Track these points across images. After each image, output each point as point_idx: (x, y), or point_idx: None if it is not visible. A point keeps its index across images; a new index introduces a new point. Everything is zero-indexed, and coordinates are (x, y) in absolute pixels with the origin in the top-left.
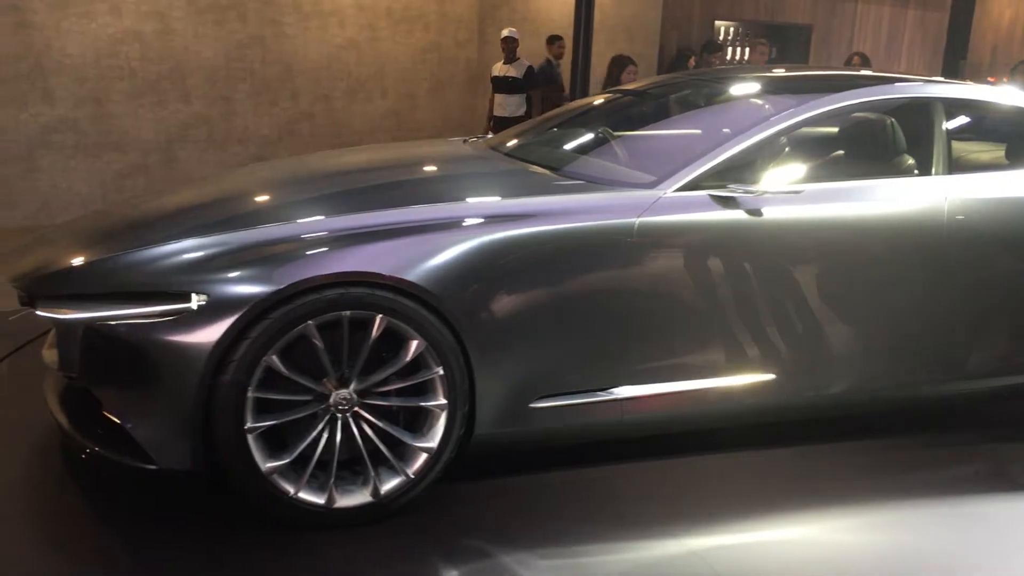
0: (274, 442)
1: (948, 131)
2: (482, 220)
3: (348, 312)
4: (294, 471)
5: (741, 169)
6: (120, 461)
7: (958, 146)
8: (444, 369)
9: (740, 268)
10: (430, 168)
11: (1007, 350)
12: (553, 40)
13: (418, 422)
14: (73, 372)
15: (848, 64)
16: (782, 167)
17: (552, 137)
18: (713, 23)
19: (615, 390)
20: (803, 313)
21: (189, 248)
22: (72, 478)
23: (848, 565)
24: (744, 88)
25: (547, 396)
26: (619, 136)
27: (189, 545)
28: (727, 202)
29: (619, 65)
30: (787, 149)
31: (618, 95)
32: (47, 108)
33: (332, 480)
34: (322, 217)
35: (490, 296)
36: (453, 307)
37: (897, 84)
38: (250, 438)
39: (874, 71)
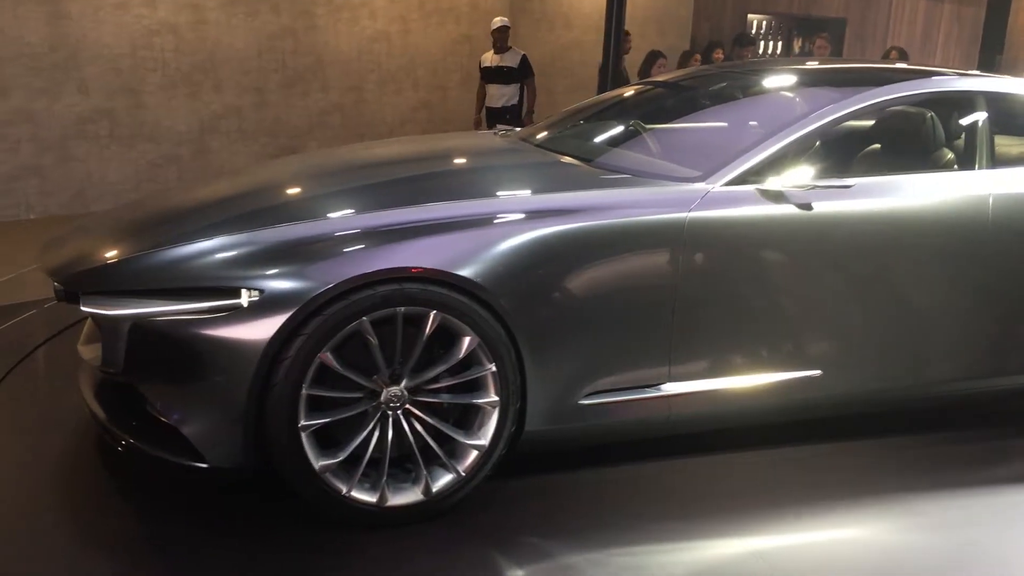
0: (323, 440)
1: (991, 125)
2: (533, 215)
3: (403, 308)
4: (345, 469)
5: (784, 163)
6: (166, 459)
7: (998, 140)
8: (497, 365)
9: (790, 263)
10: (471, 161)
11: None
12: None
13: (468, 419)
14: (116, 369)
15: (885, 58)
16: (825, 162)
17: (587, 129)
18: (745, 16)
19: (663, 386)
20: (852, 308)
21: (239, 243)
22: (107, 471)
23: (907, 565)
24: (782, 81)
25: (596, 392)
26: (655, 128)
27: (225, 543)
28: (776, 197)
29: (650, 59)
30: (829, 143)
31: (649, 87)
32: (82, 99)
33: (384, 478)
34: (374, 212)
35: (541, 291)
36: (505, 303)
37: (935, 78)
38: (304, 436)
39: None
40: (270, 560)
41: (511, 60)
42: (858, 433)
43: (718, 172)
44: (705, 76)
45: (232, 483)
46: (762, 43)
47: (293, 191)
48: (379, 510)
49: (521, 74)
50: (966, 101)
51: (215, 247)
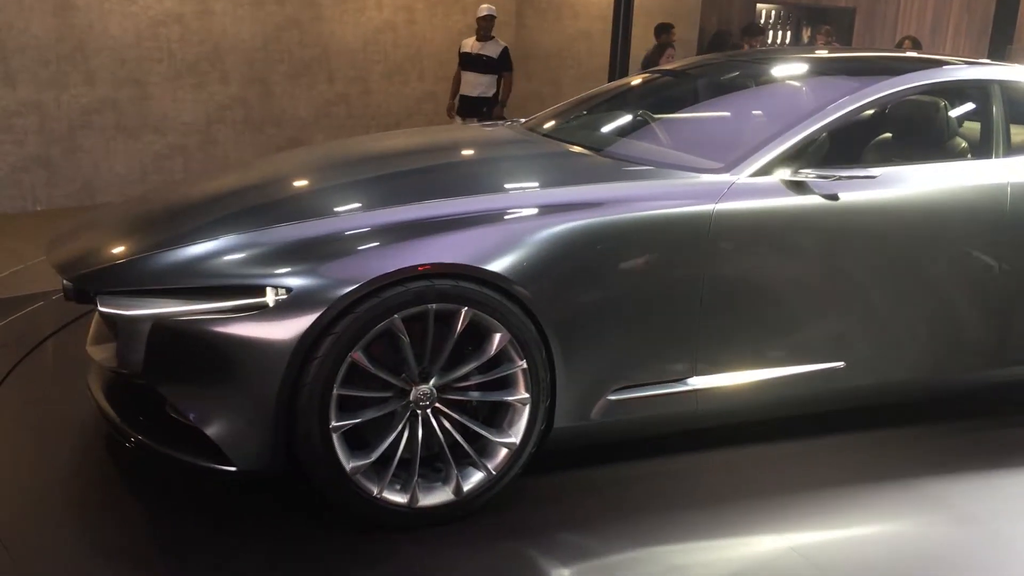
0: (350, 441)
1: (1007, 113)
2: (561, 208)
3: (434, 305)
4: (375, 470)
5: (804, 154)
6: (188, 462)
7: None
8: (528, 362)
9: (815, 254)
10: (489, 152)
11: None
12: (664, 29)
13: (496, 417)
14: (135, 370)
15: (899, 48)
16: (842, 151)
17: (600, 120)
18: (755, 6)
19: (690, 380)
20: (877, 298)
21: (263, 239)
22: (116, 469)
23: (943, 558)
24: (796, 70)
25: (624, 388)
26: (671, 119)
27: (245, 546)
28: (800, 188)
29: (658, 50)
30: (844, 133)
31: (658, 76)
32: (88, 89)
33: (415, 478)
34: (401, 205)
35: (569, 286)
36: (536, 298)
37: (952, 67)
38: (335, 437)
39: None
40: (295, 566)
41: (492, 50)
42: (881, 423)
43: (742, 163)
44: (717, 65)
45: (246, 483)
46: (771, 33)
47: (313, 184)
48: (410, 511)
49: (500, 66)
50: (982, 90)
51: (238, 244)
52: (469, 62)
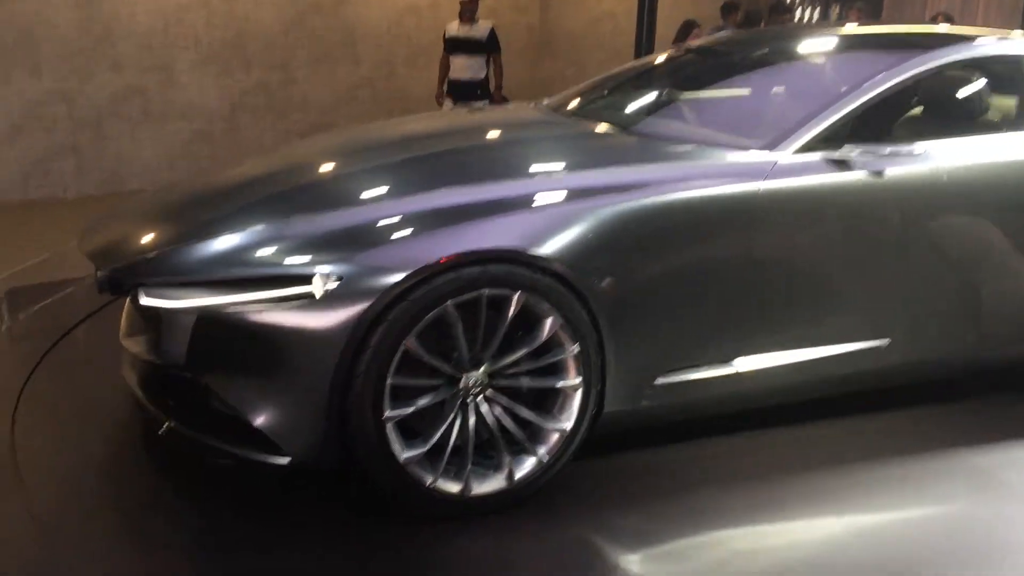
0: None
1: None
2: (609, 190)
3: (487, 291)
4: (428, 460)
5: (845, 130)
6: (237, 455)
7: None
8: (580, 346)
9: (861, 231)
10: (524, 133)
11: None
12: (730, 9)
13: (547, 403)
14: (178, 363)
15: (932, 22)
16: (878, 127)
17: (633, 98)
18: None
19: (736, 361)
20: (921, 273)
21: (310, 227)
22: (151, 457)
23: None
24: (828, 46)
25: (672, 370)
26: (706, 97)
27: (290, 540)
28: (844, 164)
29: (685, 29)
30: (879, 108)
31: (685, 54)
32: (115, 77)
33: (469, 467)
34: (450, 188)
35: (618, 269)
36: (586, 282)
37: (988, 40)
38: (388, 427)
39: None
40: (349, 562)
41: (479, 32)
42: (923, 400)
43: (786, 140)
44: (746, 42)
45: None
46: (798, 11)
47: (352, 168)
48: (463, 500)
49: (488, 47)
50: (1018, 63)
51: (283, 232)
52: (457, 45)
